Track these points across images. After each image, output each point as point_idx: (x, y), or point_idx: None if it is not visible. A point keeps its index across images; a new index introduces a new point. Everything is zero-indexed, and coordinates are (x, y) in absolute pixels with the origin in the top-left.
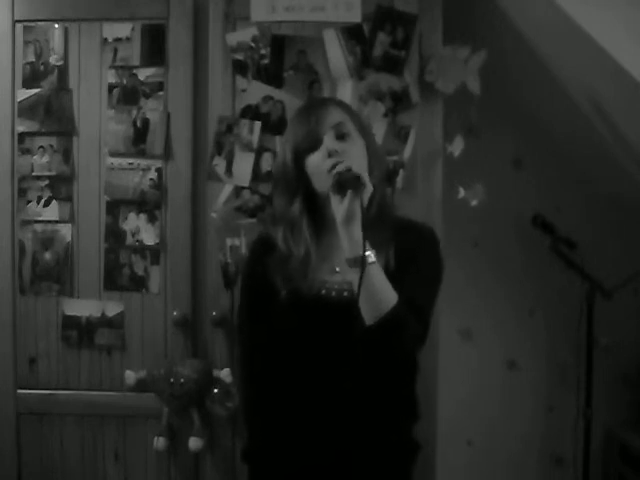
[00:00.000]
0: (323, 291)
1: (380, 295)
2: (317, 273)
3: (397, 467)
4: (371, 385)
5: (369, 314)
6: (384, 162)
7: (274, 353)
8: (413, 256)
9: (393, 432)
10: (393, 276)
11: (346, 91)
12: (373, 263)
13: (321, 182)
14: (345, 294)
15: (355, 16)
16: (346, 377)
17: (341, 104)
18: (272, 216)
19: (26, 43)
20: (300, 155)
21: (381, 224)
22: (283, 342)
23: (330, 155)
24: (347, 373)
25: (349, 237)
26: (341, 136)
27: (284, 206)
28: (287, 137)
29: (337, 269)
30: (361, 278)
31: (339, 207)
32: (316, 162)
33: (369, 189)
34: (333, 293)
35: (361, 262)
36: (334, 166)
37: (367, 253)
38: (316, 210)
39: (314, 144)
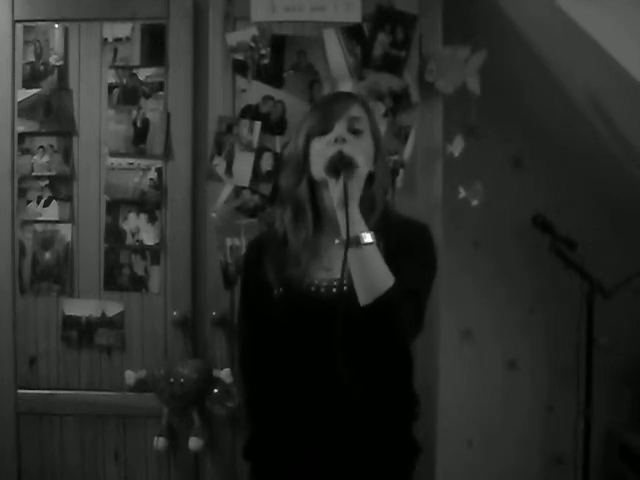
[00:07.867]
0: (312, 288)
1: (376, 276)
2: (308, 270)
3: (396, 464)
4: (366, 380)
5: (364, 294)
6: (388, 168)
7: (269, 349)
8: (407, 248)
9: (390, 427)
10: (388, 266)
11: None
12: (370, 244)
13: (318, 168)
14: (334, 290)
15: (355, 16)
16: (338, 371)
17: (364, 103)
18: (280, 195)
19: (26, 43)
20: (310, 138)
21: (384, 225)
22: (277, 338)
23: (336, 141)
24: (339, 367)
25: (343, 218)
26: (354, 131)
27: (291, 187)
28: (305, 121)
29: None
30: (345, 257)
31: (335, 189)
32: (320, 146)
33: (363, 171)
34: (322, 290)
35: (356, 242)
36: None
37: (364, 234)
38: (313, 200)
39: (325, 129)
